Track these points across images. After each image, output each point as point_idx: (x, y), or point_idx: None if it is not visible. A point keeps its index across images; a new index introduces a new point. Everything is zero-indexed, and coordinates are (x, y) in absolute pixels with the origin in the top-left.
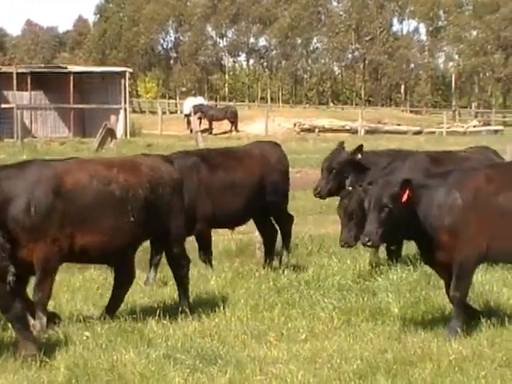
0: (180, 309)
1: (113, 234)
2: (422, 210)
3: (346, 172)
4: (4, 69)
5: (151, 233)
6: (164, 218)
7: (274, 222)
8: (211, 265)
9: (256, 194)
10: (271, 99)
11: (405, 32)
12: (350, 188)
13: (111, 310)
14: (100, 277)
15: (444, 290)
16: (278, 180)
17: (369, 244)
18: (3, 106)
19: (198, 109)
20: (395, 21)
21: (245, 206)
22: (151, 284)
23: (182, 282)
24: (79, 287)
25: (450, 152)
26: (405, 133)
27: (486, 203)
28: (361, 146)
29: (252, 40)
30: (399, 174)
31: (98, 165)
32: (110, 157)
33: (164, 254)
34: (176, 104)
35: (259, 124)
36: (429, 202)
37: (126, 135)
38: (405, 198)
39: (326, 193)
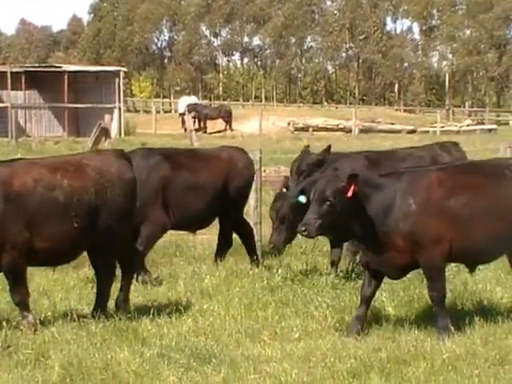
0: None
1: (57, 240)
2: (372, 211)
3: (314, 173)
4: None
5: (99, 236)
6: (111, 222)
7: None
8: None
9: (220, 197)
10: (265, 98)
11: (398, 31)
12: (285, 190)
13: (99, 306)
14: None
15: None
16: (243, 185)
17: (304, 234)
18: None
19: (192, 108)
20: (389, 20)
21: (207, 208)
22: (145, 282)
23: (127, 283)
24: (73, 286)
25: (390, 152)
26: (399, 132)
27: (441, 204)
28: (329, 147)
29: (246, 39)
30: None
31: (42, 168)
32: (58, 157)
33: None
34: (170, 103)
35: (253, 123)
36: (380, 204)
37: (120, 134)
38: (350, 193)
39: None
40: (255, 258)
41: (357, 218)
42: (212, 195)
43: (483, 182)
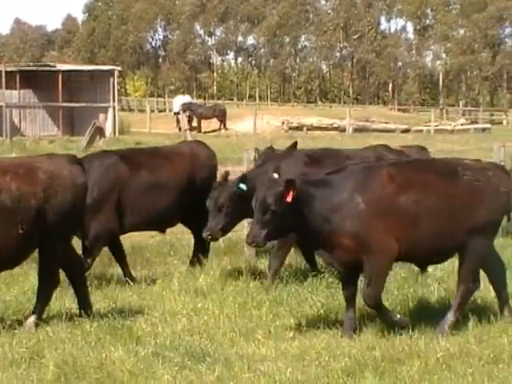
0: (82, 312)
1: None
2: (318, 210)
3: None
4: None
5: (47, 239)
6: (59, 226)
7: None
8: (128, 272)
9: (185, 192)
10: (260, 97)
11: (392, 30)
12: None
13: (38, 312)
14: (90, 275)
15: (432, 287)
16: (208, 178)
17: (253, 245)
18: None
19: (186, 107)
20: (383, 19)
21: (173, 205)
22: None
23: (80, 286)
24: (68, 285)
25: (332, 150)
26: (393, 131)
27: (390, 203)
28: (295, 143)
29: (240, 38)
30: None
31: None
32: (8, 158)
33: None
34: (165, 102)
35: (248, 122)
36: (326, 202)
37: (114, 133)
38: (289, 198)
39: None
40: (197, 260)
41: (304, 218)
42: (177, 191)
43: (434, 179)
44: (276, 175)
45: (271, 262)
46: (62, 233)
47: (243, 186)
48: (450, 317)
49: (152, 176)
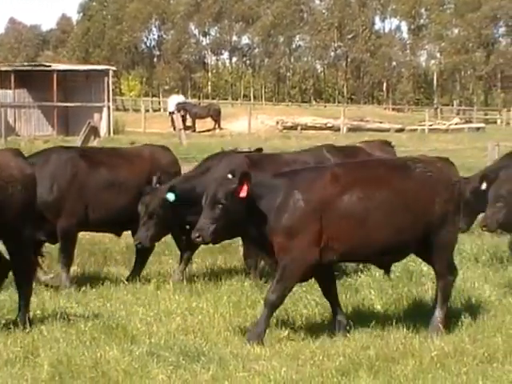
0: (19, 320)
1: None
2: (263, 210)
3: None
4: None
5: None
6: (12, 218)
7: None
8: (68, 269)
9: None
10: (254, 97)
11: (387, 30)
12: (157, 185)
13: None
14: (84, 275)
15: (426, 286)
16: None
17: (199, 240)
18: None
19: (181, 107)
20: (377, 19)
21: (129, 208)
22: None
23: (24, 289)
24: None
25: (273, 154)
26: (387, 130)
27: (329, 205)
28: (260, 149)
29: (235, 38)
30: (210, 175)
31: None
32: None
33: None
34: (159, 102)
35: (242, 122)
36: (270, 202)
37: (109, 133)
38: (244, 193)
39: None
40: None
41: (251, 219)
42: (133, 193)
43: (385, 176)
44: (230, 176)
45: (247, 262)
46: (16, 225)
47: (171, 197)
48: (439, 314)
49: (109, 176)
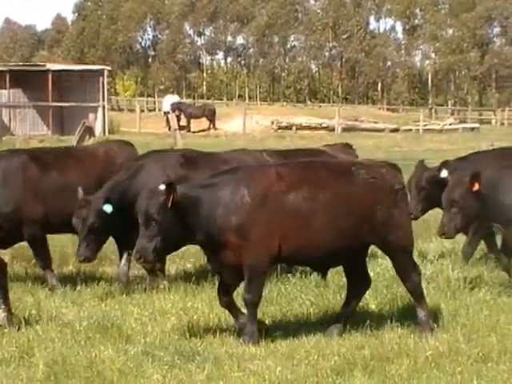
0: None
1: None
2: (207, 211)
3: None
4: None
5: None
6: None
7: None
8: (49, 269)
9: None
10: (249, 97)
11: (381, 30)
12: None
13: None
14: (79, 275)
15: None
16: None
17: (141, 261)
18: None
19: (176, 106)
20: (372, 19)
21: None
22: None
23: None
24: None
25: (210, 153)
26: (382, 130)
27: (277, 202)
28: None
29: (230, 38)
30: (144, 175)
31: None
32: None
33: None
34: (154, 102)
35: (237, 122)
36: (215, 204)
37: (104, 133)
38: (169, 202)
39: None
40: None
41: (194, 224)
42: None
43: (325, 178)
44: (163, 187)
45: None
46: None
47: (108, 209)
48: (422, 314)
49: (61, 176)
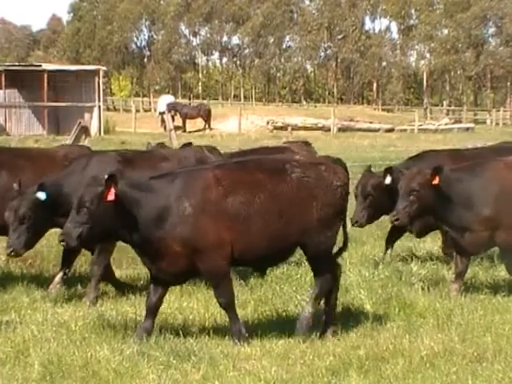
0: None
1: None
2: (144, 215)
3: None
4: None
5: None
6: None
7: None
8: None
9: None
10: (244, 97)
11: (377, 30)
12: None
13: None
14: (74, 275)
15: (416, 286)
16: None
17: (63, 244)
18: None
19: (171, 107)
20: (367, 19)
21: None
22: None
23: None
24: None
25: (150, 151)
26: (377, 130)
27: (217, 206)
28: (189, 143)
29: (225, 38)
30: (82, 173)
31: None
32: None
33: None
34: (150, 102)
35: (232, 122)
36: (153, 208)
37: (100, 133)
38: (111, 196)
39: None
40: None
41: (127, 223)
42: None
43: (262, 179)
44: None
45: (93, 270)
46: None
47: (41, 195)
48: (308, 310)
49: (13, 177)
